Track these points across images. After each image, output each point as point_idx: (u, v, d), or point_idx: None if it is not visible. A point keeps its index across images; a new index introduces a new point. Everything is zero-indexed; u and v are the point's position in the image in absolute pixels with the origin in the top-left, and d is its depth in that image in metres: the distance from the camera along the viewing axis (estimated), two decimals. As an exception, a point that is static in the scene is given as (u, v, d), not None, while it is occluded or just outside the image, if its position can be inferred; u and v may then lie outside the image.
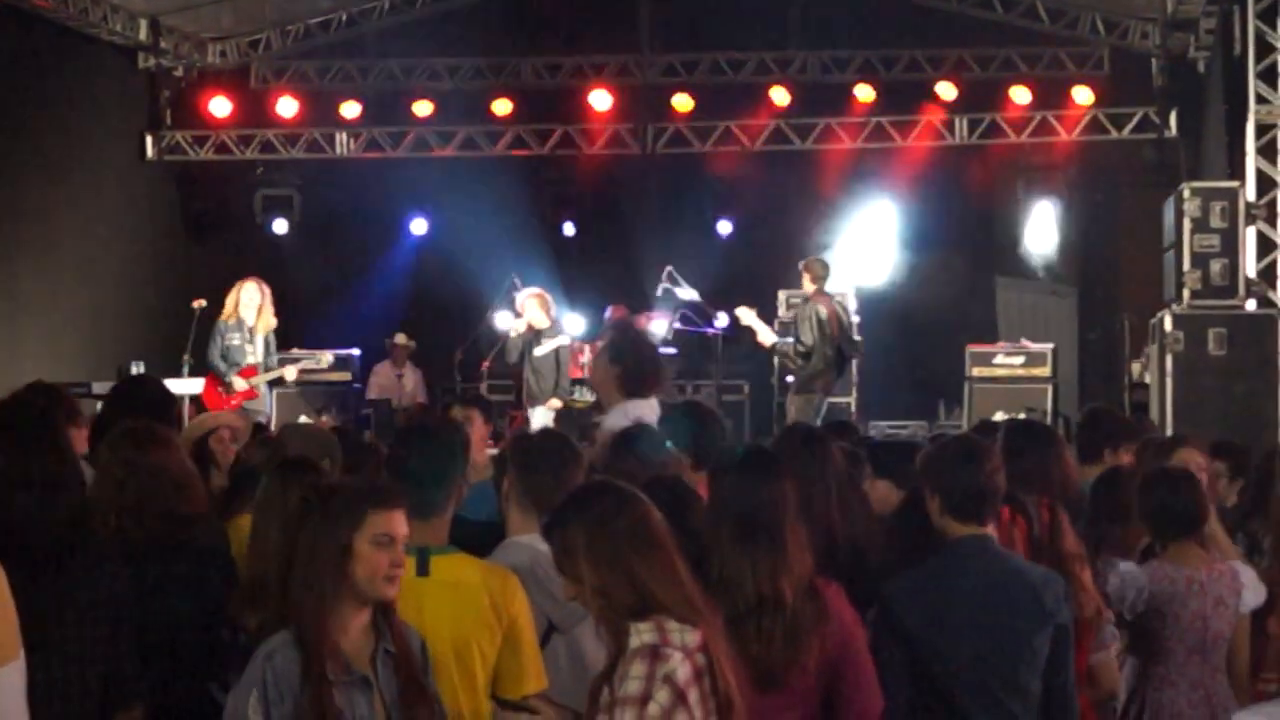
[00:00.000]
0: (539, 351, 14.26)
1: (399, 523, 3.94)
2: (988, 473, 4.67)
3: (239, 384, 13.11)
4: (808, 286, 13.89)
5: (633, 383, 6.91)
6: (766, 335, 13.69)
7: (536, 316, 14.28)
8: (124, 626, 4.49)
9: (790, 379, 14.15)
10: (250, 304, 13.30)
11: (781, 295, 15.72)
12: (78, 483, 4.59)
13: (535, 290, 14.52)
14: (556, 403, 14.30)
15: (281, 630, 3.86)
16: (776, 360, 14.95)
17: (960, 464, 4.68)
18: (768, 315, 14.92)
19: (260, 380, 13.32)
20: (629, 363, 7.00)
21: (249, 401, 13.04)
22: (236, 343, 13.22)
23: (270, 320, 13.39)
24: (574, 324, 16.23)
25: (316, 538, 3.90)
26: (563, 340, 14.49)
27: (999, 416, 12.83)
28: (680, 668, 3.66)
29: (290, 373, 13.71)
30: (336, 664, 3.80)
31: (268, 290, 13.44)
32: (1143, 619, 5.51)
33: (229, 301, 13.35)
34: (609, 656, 3.77)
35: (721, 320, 15.72)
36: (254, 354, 13.29)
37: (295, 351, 14.93)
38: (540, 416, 13.90)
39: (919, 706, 4.59)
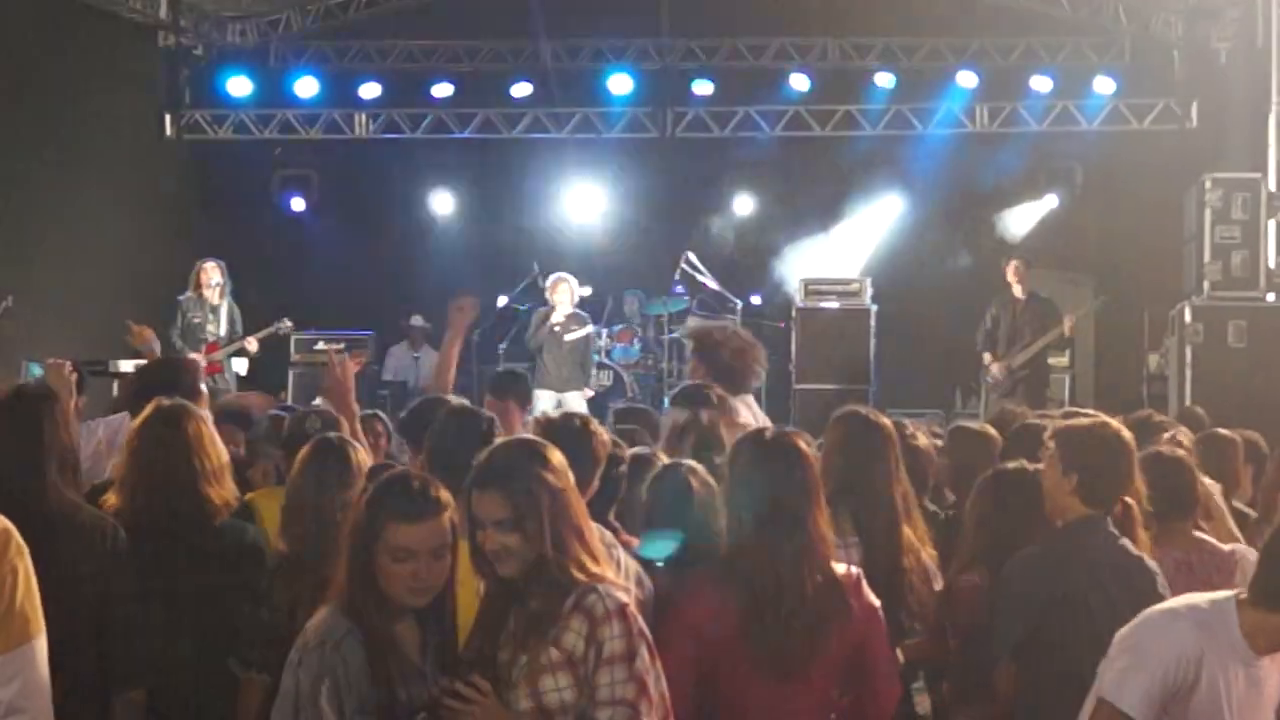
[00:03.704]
0: (569, 337, 14.21)
1: (422, 535, 3.70)
2: (1129, 463, 4.87)
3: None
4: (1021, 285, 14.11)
5: (725, 381, 6.67)
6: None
7: (564, 301, 14.29)
8: (114, 600, 4.52)
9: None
10: (211, 283, 13.76)
11: (799, 282, 15.58)
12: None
13: (567, 275, 14.55)
14: (590, 391, 14.40)
15: (331, 613, 3.74)
16: (795, 348, 14.85)
17: (1106, 452, 4.83)
18: (785, 305, 14.84)
19: (222, 355, 13.66)
20: (717, 363, 6.90)
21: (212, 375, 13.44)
22: (198, 320, 13.75)
23: (229, 298, 13.88)
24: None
25: (349, 544, 3.78)
26: (590, 329, 14.51)
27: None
28: (642, 624, 3.76)
29: (251, 344, 13.85)
30: (396, 655, 3.71)
31: (225, 269, 13.88)
32: None
33: (191, 279, 13.85)
34: (544, 614, 3.67)
35: (739, 305, 15.68)
36: (215, 331, 13.77)
37: (312, 330, 15.23)
38: (574, 402, 13.72)
39: (1028, 678, 4.75)
